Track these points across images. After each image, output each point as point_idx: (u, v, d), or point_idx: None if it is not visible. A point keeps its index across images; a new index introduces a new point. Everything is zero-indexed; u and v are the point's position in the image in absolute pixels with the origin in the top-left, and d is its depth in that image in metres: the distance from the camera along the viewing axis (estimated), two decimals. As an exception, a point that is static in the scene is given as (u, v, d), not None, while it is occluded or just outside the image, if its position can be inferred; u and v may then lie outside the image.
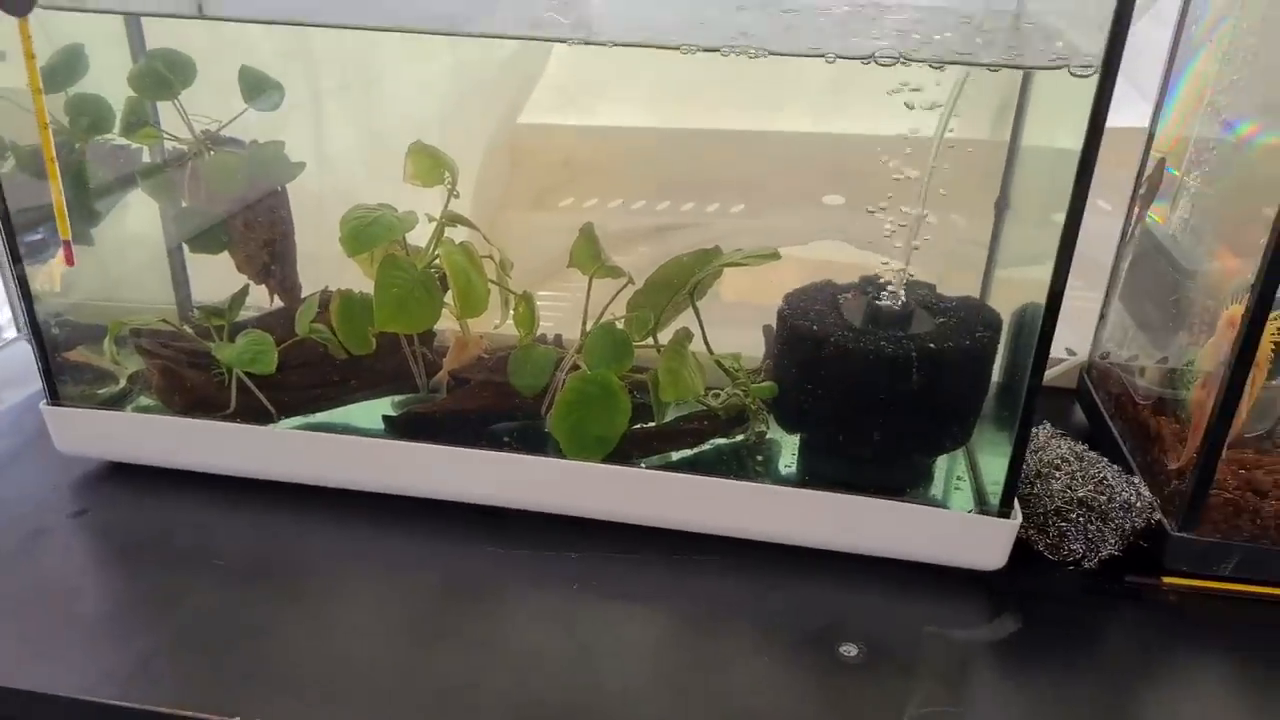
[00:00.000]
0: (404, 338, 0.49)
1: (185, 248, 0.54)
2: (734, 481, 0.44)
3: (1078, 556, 0.43)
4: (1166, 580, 0.43)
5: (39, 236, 0.46)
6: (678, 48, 0.38)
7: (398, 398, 0.51)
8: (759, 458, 0.48)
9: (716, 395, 0.47)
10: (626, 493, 0.45)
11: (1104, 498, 0.43)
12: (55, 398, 0.48)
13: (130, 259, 0.55)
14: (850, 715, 0.36)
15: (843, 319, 0.44)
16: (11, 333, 0.65)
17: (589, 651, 0.39)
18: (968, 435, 0.45)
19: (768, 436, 0.48)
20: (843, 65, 0.38)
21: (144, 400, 0.50)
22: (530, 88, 0.61)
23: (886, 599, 0.42)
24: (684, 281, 0.44)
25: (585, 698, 0.36)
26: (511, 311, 0.47)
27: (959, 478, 0.47)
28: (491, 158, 0.62)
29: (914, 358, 0.41)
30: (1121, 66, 0.34)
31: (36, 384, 0.49)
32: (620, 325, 0.45)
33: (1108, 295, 0.56)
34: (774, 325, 0.46)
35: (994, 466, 0.43)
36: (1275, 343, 0.40)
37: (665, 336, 0.45)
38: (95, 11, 0.48)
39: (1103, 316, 0.57)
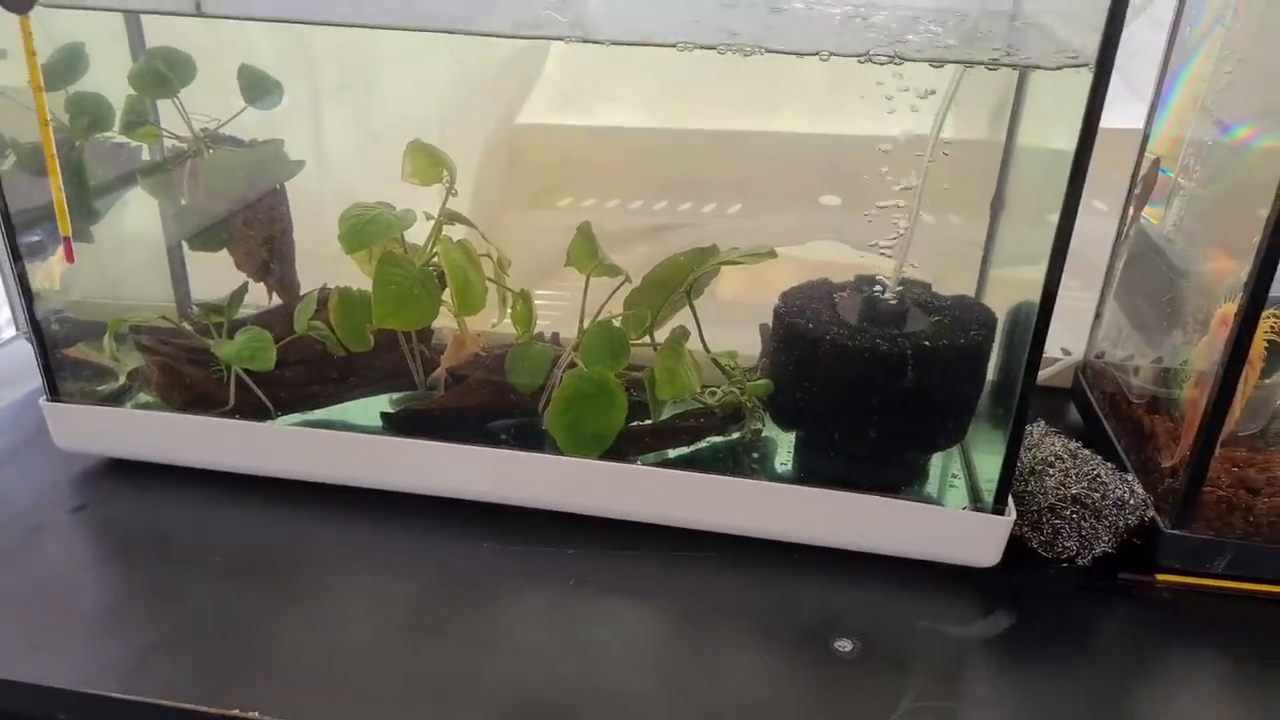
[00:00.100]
0: (402, 335, 0.49)
1: (185, 245, 0.54)
2: (730, 479, 0.44)
3: (1071, 553, 0.44)
4: (1160, 577, 0.43)
5: (38, 238, 0.46)
6: (674, 45, 0.38)
7: (396, 395, 0.51)
8: (755, 455, 0.48)
9: (713, 393, 0.47)
10: (623, 490, 0.45)
11: (1098, 495, 0.43)
12: (55, 394, 0.49)
13: (130, 256, 0.55)
14: (845, 710, 0.36)
15: (839, 317, 0.44)
16: (11, 331, 0.65)
17: (586, 647, 0.39)
18: (962, 433, 0.45)
19: (764, 434, 0.49)
20: (840, 65, 0.38)
21: (143, 397, 0.50)
22: (529, 88, 0.61)
23: (881, 595, 0.42)
24: (681, 280, 0.45)
25: (582, 693, 0.36)
26: (509, 309, 0.48)
27: (954, 475, 0.47)
28: (490, 157, 0.62)
29: (909, 356, 0.41)
30: (1117, 68, 0.34)
31: (36, 381, 0.49)
32: (617, 323, 0.45)
33: (1103, 295, 0.56)
34: (770, 324, 0.47)
35: (988, 464, 0.44)
36: (1268, 341, 0.40)
37: (662, 335, 0.45)
38: (95, 9, 0.49)
39: (1098, 316, 0.57)
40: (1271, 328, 0.40)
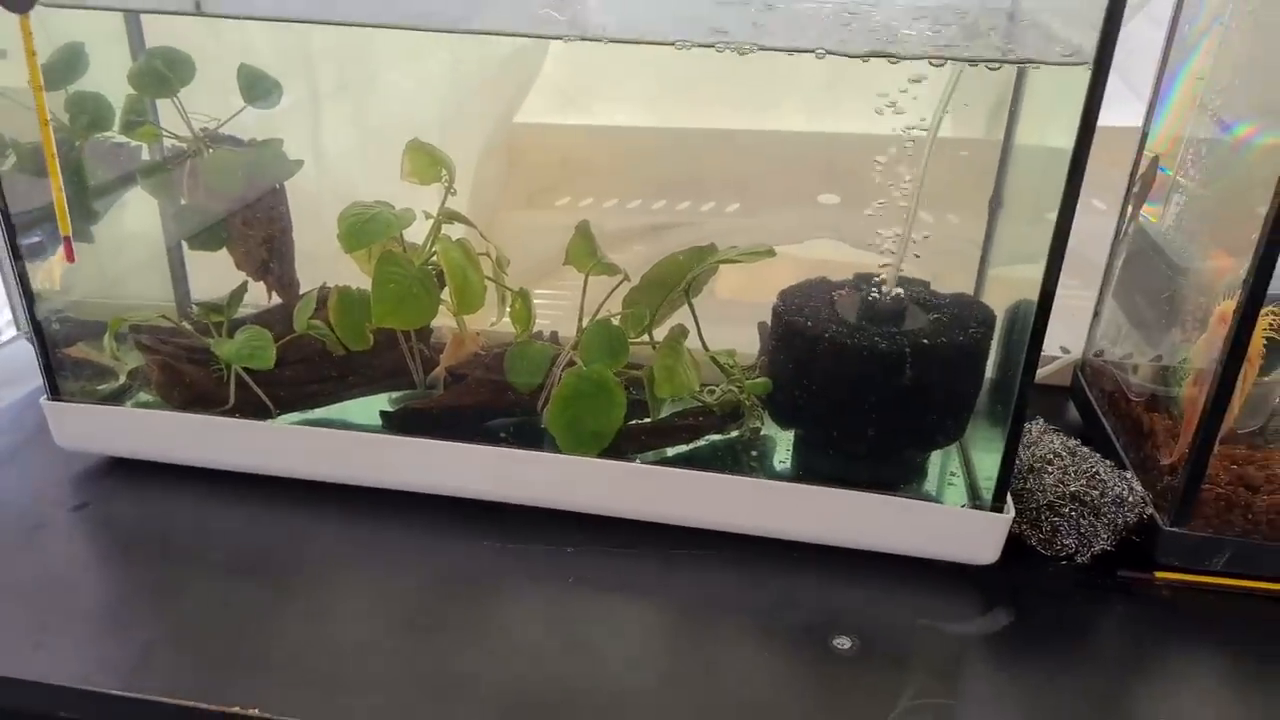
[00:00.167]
0: (401, 334, 0.49)
1: (184, 245, 0.54)
2: (729, 477, 0.44)
3: (1070, 551, 0.44)
4: (1159, 575, 0.43)
5: (38, 238, 0.46)
6: (673, 44, 0.38)
7: (395, 394, 0.51)
8: (754, 453, 0.48)
9: (712, 391, 0.47)
10: (622, 488, 0.45)
11: (1096, 492, 0.43)
12: (56, 393, 0.49)
13: (130, 256, 0.55)
14: (844, 707, 0.36)
15: (837, 315, 0.44)
16: (12, 330, 0.65)
17: (585, 645, 0.39)
18: (961, 431, 0.45)
19: (762, 432, 0.49)
20: (838, 64, 0.38)
21: (144, 396, 0.51)
22: (527, 87, 0.61)
23: (880, 593, 0.42)
24: (679, 279, 0.45)
25: (581, 690, 0.36)
26: (508, 308, 0.48)
27: (952, 473, 0.47)
28: (489, 156, 0.62)
29: (908, 354, 0.41)
30: (1115, 66, 0.34)
31: (37, 380, 0.49)
32: (616, 322, 0.45)
33: (1101, 293, 0.56)
34: (769, 322, 0.47)
35: (987, 462, 0.44)
36: (1267, 338, 0.40)
37: (661, 333, 0.45)
38: (95, 8, 0.49)
39: (1096, 314, 0.57)
40: (1270, 325, 0.40)
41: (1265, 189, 0.37)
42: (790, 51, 0.38)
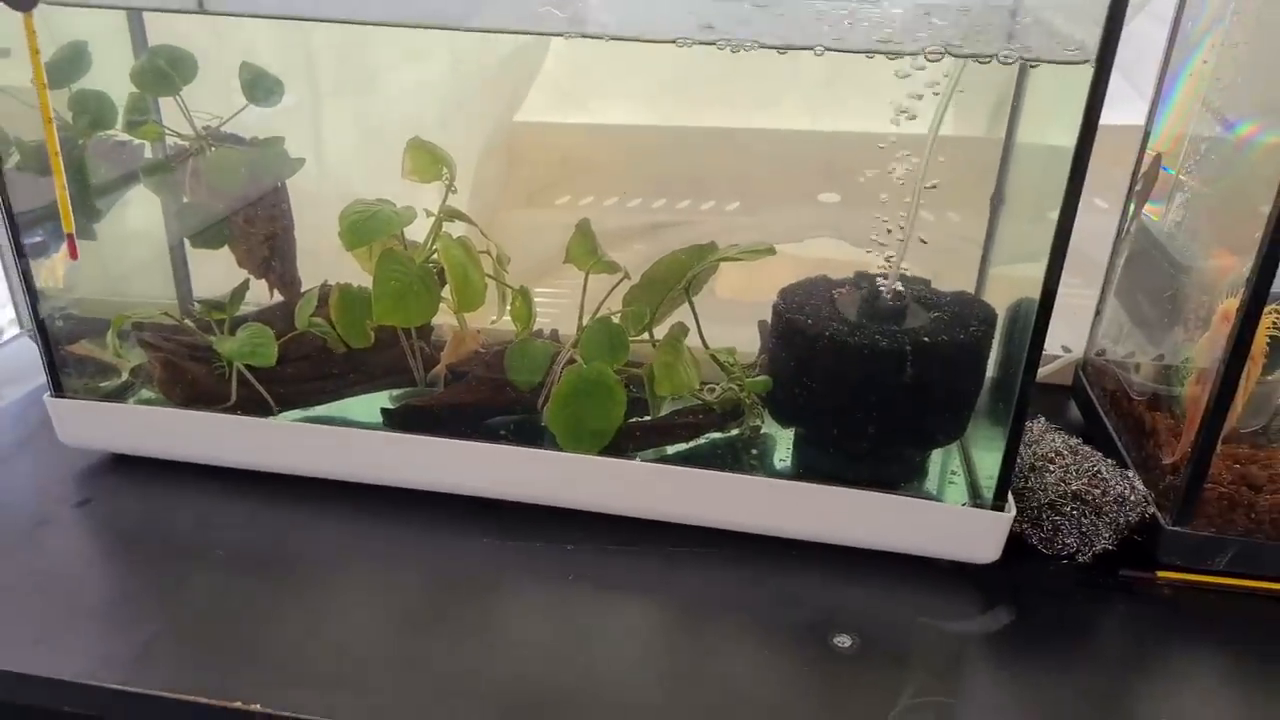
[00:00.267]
0: (402, 331, 0.49)
1: (186, 243, 0.55)
2: (729, 475, 0.44)
3: (1072, 550, 0.43)
4: (1161, 574, 0.43)
5: (41, 236, 0.47)
6: (673, 41, 0.38)
7: (396, 391, 0.51)
8: (754, 451, 0.48)
9: (712, 390, 0.47)
10: (622, 486, 0.45)
11: (1098, 491, 0.43)
12: (59, 390, 0.49)
13: (132, 254, 0.56)
14: (845, 705, 0.36)
15: (838, 314, 0.44)
16: (16, 328, 0.65)
17: (585, 642, 0.39)
18: (962, 429, 0.45)
19: (762, 430, 0.49)
20: (839, 62, 0.38)
21: (146, 393, 0.51)
22: (528, 85, 0.61)
23: (880, 591, 0.42)
24: (679, 277, 0.45)
25: (581, 688, 0.36)
26: (508, 306, 0.48)
27: (953, 472, 0.47)
28: (489, 155, 0.62)
29: (908, 352, 0.41)
30: (1117, 64, 0.34)
31: (41, 377, 0.50)
32: (616, 320, 0.45)
33: (1103, 292, 0.56)
34: (769, 320, 0.47)
35: (988, 460, 0.43)
36: (1270, 337, 0.40)
37: (661, 331, 0.45)
38: (98, 6, 0.49)
39: (1098, 313, 0.57)
40: (1273, 324, 0.40)
41: (1268, 187, 0.37)
42: (787, 49, 0.38)
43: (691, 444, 0.48)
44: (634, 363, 0.45)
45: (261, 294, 0.52)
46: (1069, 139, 0.35)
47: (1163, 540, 0.43)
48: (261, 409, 0.49)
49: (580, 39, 0.41)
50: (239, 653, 0.38)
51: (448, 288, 0.45)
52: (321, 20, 0.47)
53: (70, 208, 0.44)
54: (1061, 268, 0.37)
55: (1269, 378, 0.43)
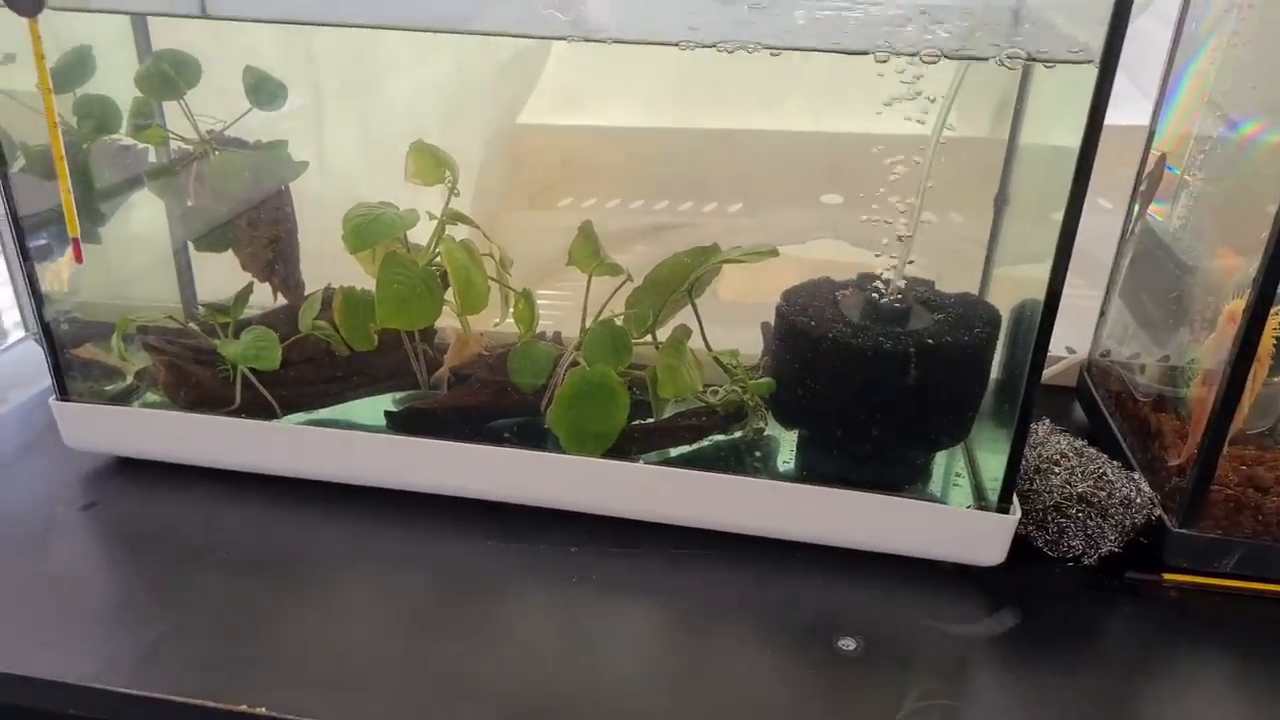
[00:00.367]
0: (405, 334, 0.49)
1: (191, 246, 0.55)
2: (732, 477, 0.44)
3: (1077, 553, 0.43)
4: (1167, 577, 0.43)
5: (46, 240, 0.47)
6: (676, 44, 0.38)
7: (399, 394, 0.51)
8: (757, 454, 0.48)
9: (715, 392, 0.47)
10: (625, 488, 0.45)
11: (1104, 493, 0.43)
12: (64, 394, 0.49)
13: (137, 258, 0.56)
14: (849, 708, 0.36)
15: (841, 315, 0.44)
16: (21, 332, 0.66)
17: (588, 644, 0.39)
18: (966, 431, 0.45)
19: (766, 433, 0.48)
20: (840, 63, 0.38)
21: (151, 396, 0.51)
22: (530, 88, 0.61)
23: (885, 594, 0.42)
24: (682, 279, 0.45)
25: (584, 690, 0.36)
26: (511, 309, 0.48)
27: (957, 474, 0.47)
28: (492, 157, 0.62)
29: (912, 354, 0.41)
30: (1121, 64, 0.34)
31: (46, 381, 0.50)
32: (619, 322, 0.45)
33: (1108, 293, 0.56)
34: (772, 322, 0.47)
35: (993, 462, 0.43)
36: (1277, 338, 0.40)
37: (664, 334, 0.45)
38: (102, 11, 0.49)
39: (1103, 314, 0.56)
40: (1280, 324, 0.39)
41: (1274, 186, 0.37)
42: (787, 50, 0.38)
43: (694, 446, 0.48)
44: (637, 365, 0.45)
45: (265, 297, 0.53)
46: (1073, 139, 0.35)
47: (1169, 542, 0.43)
48: (266, 412, 0.49)
49: (582, 42, 0.41)
50: (244, 656, 0.38)
51: (451, 290, 0.45)
52: (324, 24, 0.47)
53: (75, 212, 0.44)
54: (1066, 269, 0.37)
55: (1276, 379, 0.42)
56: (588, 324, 0.45)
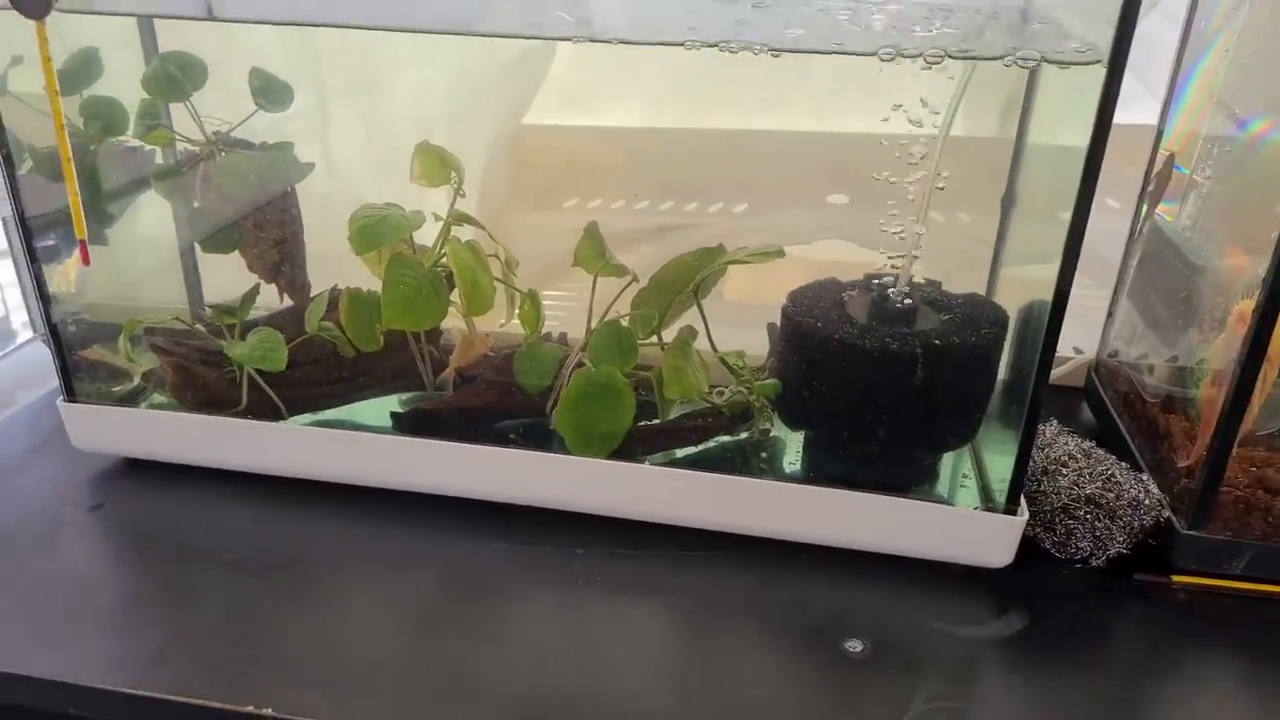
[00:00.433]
0: (411, 335, 0.49)
1: (197, 248, 0.55)
2: (738, 478, 0.44)
3: (1085, 554, 0.43)
4: (1175, 578, 0.43)
5: (54, 242, 0.47)
6: (682, 44, 0.38)
7: (405, 395, 0.51)
8: (763, 455, 0.48)
9: (721, 393, 0.47)
10: (631, 489, 0.45)
11: (1112, 495, 0.42)
12: (72, 395, 0.49)
13: (144, 259, 0.56)
14: (856, 710, 0.36)
15: (848, 316, 0.44)
16: (29, 333, 0.66)
17: (594, 646, 0.39)
18: (973, 432, 0.45)
19: (772, 434, 0.48)
20: (846, 62, 0.38)
21: (158, 397, 0.51)
22: (536, 88, 0.61)
23: (892, 596, 0.42)
24: (688, 280, 0.45)
25: (591, 692, 0.36)
26: (517, 310, 0.48)
27: (964, 475, 0.47)
28: (497, 158, 0.62)
29: (919, 355, 0.41)
30: (1129, 63, 0.33)
31: (54, 382, 0.50)
32: (625, 323, 0.45)
33: (1116, 293, 0.56)
34: (778, 323, 0.47)
35: (1000, 464, 0.43)
36: (1286, 339, 0.39)
37: (670, 335, 0.45)
38: (108, 14, 0.49)
39: (1110, 314, 0.56)
40: (1290, 325, 0.39)
41: (1284, 187, 0.37)
42: (795, 52, 0.38)
43: (700, 447, 0.48)
44: (643, 366, 0.45)
45: (272, 298, 0.53)
46: (1081, 139, 0.35)
47: (1178, 544, 0.42)
48: (272, 413, 0.49)
49: (588, 43, 0.40)
50: (250, 657, 0.38)
51: (456, 291, 0.45)
52: (330, 26, 0.47)
53: (82, 213, 0.44)
54: (1075, 269, 0.37)
55: (1286, 379, 0.42)
56: (593, 325, 0.45)
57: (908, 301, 0.43)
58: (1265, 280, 0.38)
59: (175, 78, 0.49)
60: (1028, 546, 0.43)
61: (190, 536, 0.45)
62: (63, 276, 0.49)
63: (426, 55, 0.54)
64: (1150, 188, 0.52)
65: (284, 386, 0.49)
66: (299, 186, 0.52)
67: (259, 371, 0.48)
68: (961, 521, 0.43)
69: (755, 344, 0.48)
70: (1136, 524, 0.42)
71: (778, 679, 0.37)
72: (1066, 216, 0.36)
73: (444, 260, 0.45)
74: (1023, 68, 0.37)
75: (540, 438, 0.47)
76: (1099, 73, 0.34)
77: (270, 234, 0.51)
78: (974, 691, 0.37)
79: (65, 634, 0.39)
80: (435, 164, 0.45)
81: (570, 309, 0.49)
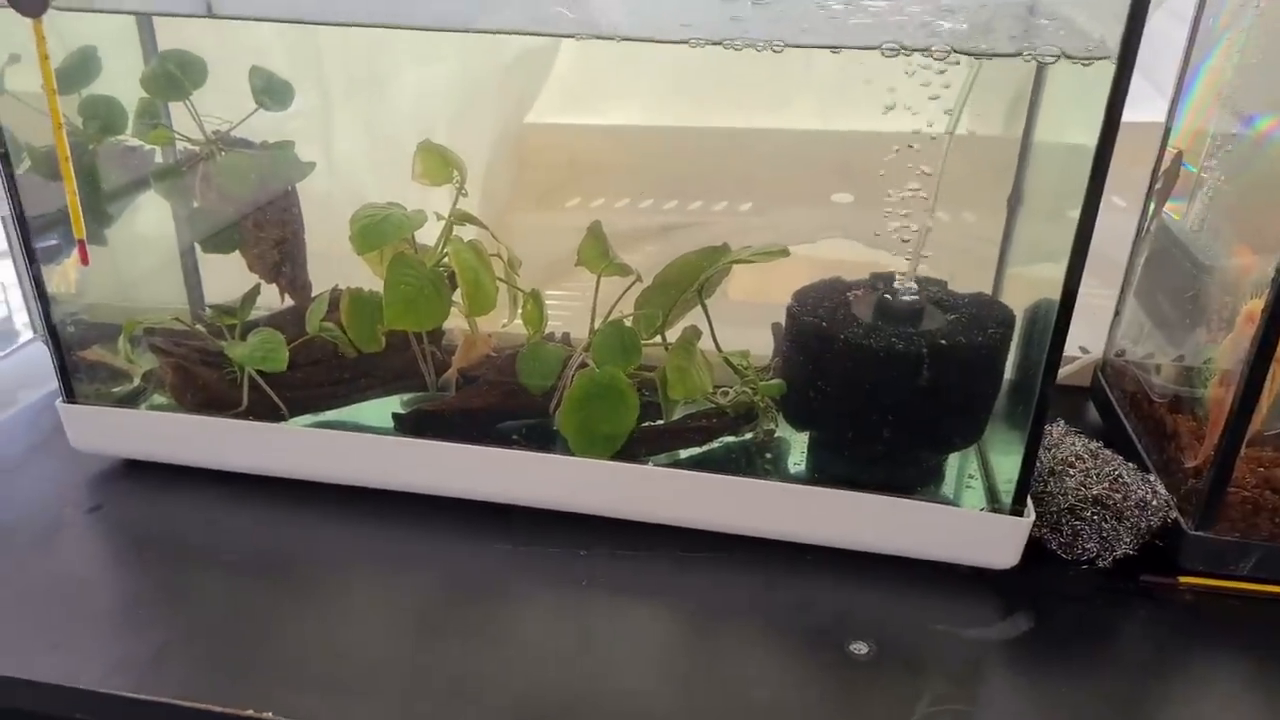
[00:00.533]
0: (413, 336, 0.49)
1: (197, 248, 0.55)
2: (743, 479, 0.44)
3: (1092, 555, 0.43)
4: (1182, 579, 0.42)
5: (53, 242, 0.47)
6: (685, 42, 0.38)
7: (407, 396, 0.51)
8: (768, 455, 0.48)
9: (725, 393, 0.47)
10: (634, 490, 0.45)
11: (1119, 496, 0.42)
12: (71, 396, 0.49)
13: (143, 259, 0.56)
14: (861, 713, 0.36)
15: (853, 316, 0.44)
16: (28, 334, 0.66)
17: (597, 647, 0.39)
18: (979, 433, 0.45)
19: (776, 434, 0.48)
20: (850, 60, 0.37)
21: (158, 398, 0.51)
22: (538, 87, 0.61)
23: (897, 597, 0.42)
24: (692, 279, 0.44)
25: (593, 693, 0.36)
26: (520, 310, 0.47)
27: (971, 476, 0.47)
28: (499, 157, 0.62)
29: (925, 355, 0.41)
30: (1137, 60, 0.33)
31: (53, 383, 0.50)
32: (628, 323, 0.45)
33: (1123, 292, 0.55)
34: (782, 323, 0.46)
35: (1006, 464, 0.43)
36: (1295, 338, 0.39)
37: (673, 335, 0.45)
38: (106, 11, 0.49)
39: (1117, 314, 0.56)
40: (1299, 324, 0.39)
41: (1294, 185, 0.36)
42: (801, 48, 0.37)
43: (704, 448, 0.47)
44: (646, 366, 0.44)
45: (272, 299, 0.52)
46: (1089, 137, 0.35)
47: (1185, 545, 0.42)
48: (273, 414, 0.48)
49: (591, 40, 0.40)
50: (251, 660, 0.37)
51: (459, 291, 0.45)
52: (331, 24, 0.47)
53: (81, 213, 0.44)
54: (1083, 268, 0.37)
55: (1294, 379, 0.42)
56: (597, 325, 0.45)
57: (913, 291, 0.43)
58: (1274, 279, 0.37)
59: (175, 76, 0.48)
60: (1034, 547, 0.42)
61: (190, 538, 0.45)
62: (62, 277, 0.48)
63: (428, 53, 0.54)
64: (1158, 186, 0.52)
65: (285, 387, 0.49)
66: (300, 186, 0.52)
67: (260, 372, 0.48)
68: (967, 522, 0.42)
69: (760, 344, 0.48)
70: (1143, 525, 0.42)
71: (782, 681, 0.37)
72: (1073, 215, 0.36)
73: (446, 260, 0.45)
74: (1032, 61, 0.37)
75: (543, 438, 0.47)
76: (1107, 70, 0.34)
77: (271, 234, 0.51)
78: (979, 693, 0.37)
79: (64, 635, 0.39)
80: (437, 163, 0.45)
81: (573, 309, 0.49)
